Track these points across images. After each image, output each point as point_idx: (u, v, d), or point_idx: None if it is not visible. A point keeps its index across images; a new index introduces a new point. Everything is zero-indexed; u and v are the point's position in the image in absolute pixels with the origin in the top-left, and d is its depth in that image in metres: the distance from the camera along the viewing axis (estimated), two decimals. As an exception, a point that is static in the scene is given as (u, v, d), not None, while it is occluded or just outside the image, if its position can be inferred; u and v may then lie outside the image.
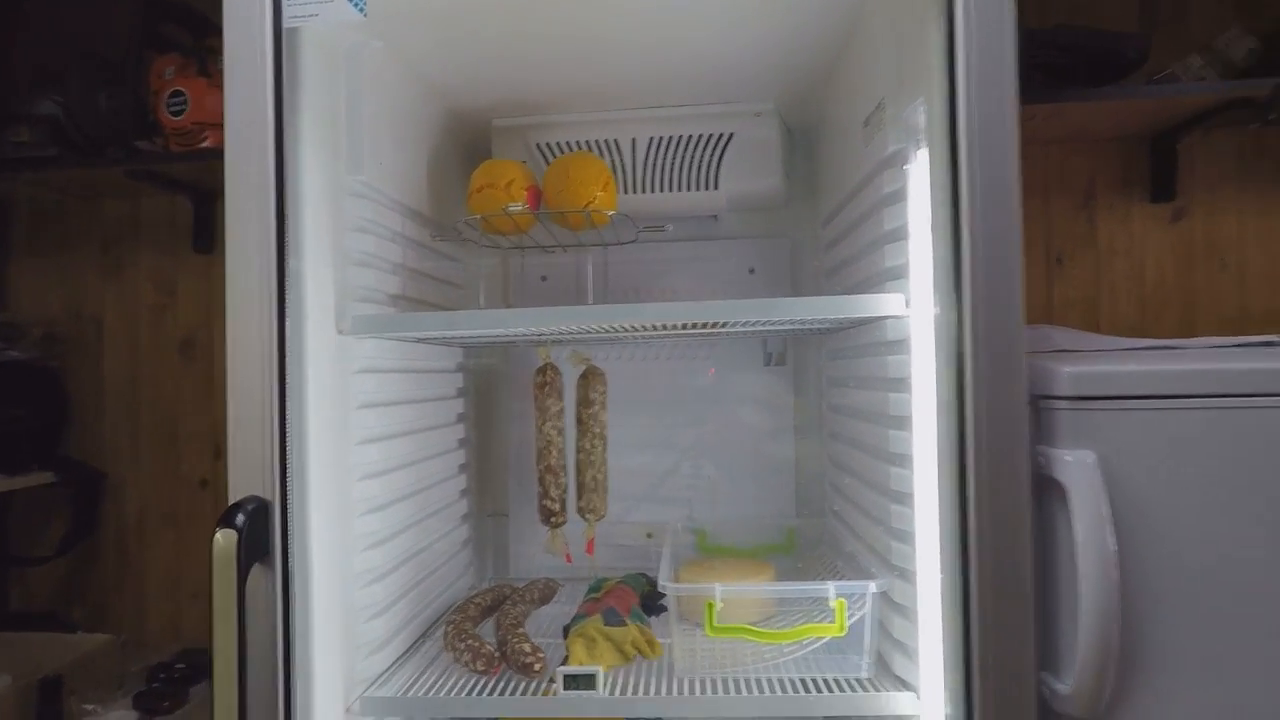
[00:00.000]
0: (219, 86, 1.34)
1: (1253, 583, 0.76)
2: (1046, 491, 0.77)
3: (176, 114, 1.34)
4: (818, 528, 1.28)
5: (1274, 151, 1.41)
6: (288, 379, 0.78)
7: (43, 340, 1.58)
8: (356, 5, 0.78)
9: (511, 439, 1.39)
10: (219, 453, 1.59)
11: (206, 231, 1.59)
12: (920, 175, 0.83)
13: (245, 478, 0.77)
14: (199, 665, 1.43)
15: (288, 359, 0.78)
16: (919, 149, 0.83)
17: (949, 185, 0.76)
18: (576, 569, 1.26)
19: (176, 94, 1.34)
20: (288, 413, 0.77)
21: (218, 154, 1.32)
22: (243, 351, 0.78)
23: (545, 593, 1.22)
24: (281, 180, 0.78)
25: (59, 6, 1.58)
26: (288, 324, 0.78)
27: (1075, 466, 0.74)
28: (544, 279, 1.39)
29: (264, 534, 0.76)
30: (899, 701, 0.84)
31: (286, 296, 0.78)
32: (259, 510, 0.75)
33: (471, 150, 1.34)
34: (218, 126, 1.35)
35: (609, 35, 1.00)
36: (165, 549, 1.60)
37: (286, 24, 0.78)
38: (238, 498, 0.77)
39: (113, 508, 1.60)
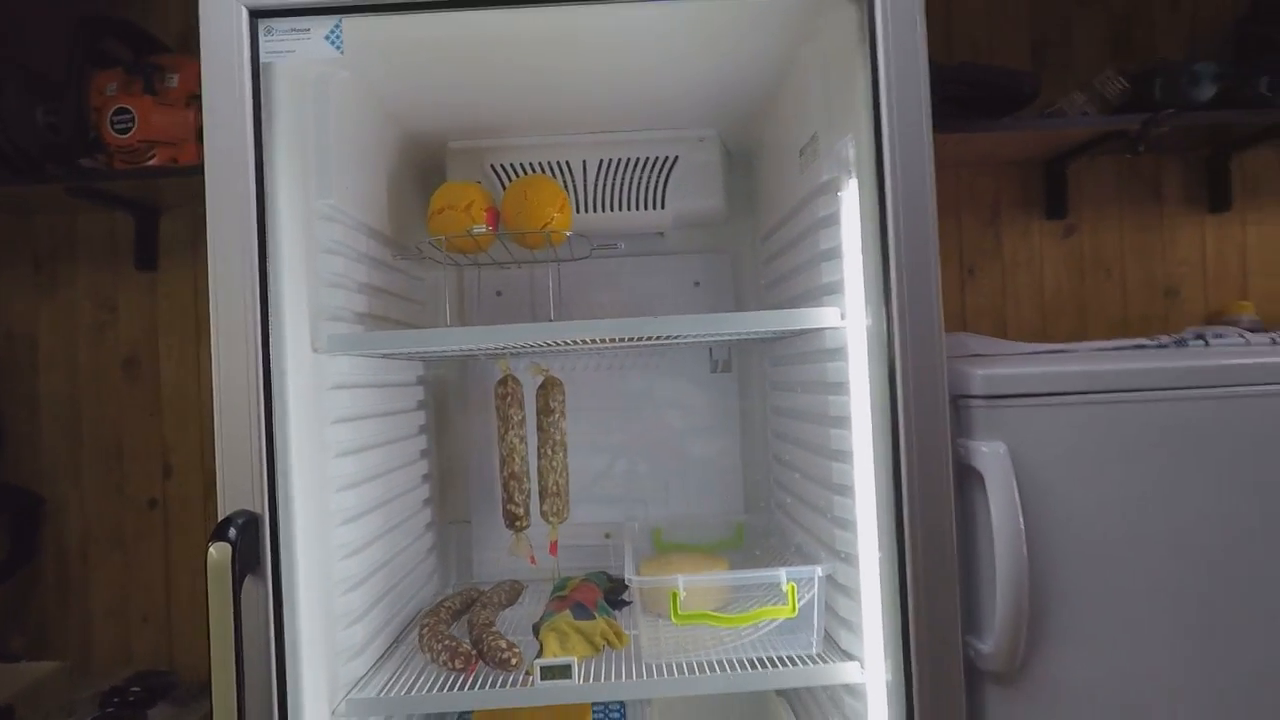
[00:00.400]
0: (166, 104, 1.35)
1: (1139, 552, 0.90)
2: (966, 479, 0.88)
3: (122, 131, 1.33)
4: (764, 522, 1.39)
5: (1146, 176, 1.60)
6: (273, 398, 0.81)
7: (-28, 361, 1.52)
8: (332, 43, 0.82)
9: (471, 449, 1.44)
10: (168, 472, 1.57)
11: (149, 248, 1.57)
12: (851, 201, 0.94)
13: (234, 493, 0.80)
14: (153, 688, 1.41)
15: (272, 378, 0.81)
16: (850, 178, 0.94)
17: (877, 211, 0.87)
18: (538, 571, 1.32)
19: (122, 111, 1.33)
20: (274, 429, 0.81)
21: (166, 172, 1.35)
22: (228, 372, 0.80)
23: (511, 594, 1.28)
24: (262, 206, 0.82)
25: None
26: (271, 344, 0.81)
27: (990, 456, 0.86)
28: (499, 293, 1.45)
29: (255, 546, 0.79)
30: (846, 671, 0.94)
31: (270, 318, 0.81)
32: (249, 523, 0.78)
33: (426, 171, 1.39)
34: (165, 144, 1.36)
35: (562, 67, 1.07)
36: (112, 572, 1.56)
37: (263, 59, 0.82)
38: (227, 512, 0.79)
39: (52, 532, 1.55)
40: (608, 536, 1.41)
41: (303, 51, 0.82)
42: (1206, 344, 0.93)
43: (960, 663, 0.84)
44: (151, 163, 1.35)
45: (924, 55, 0.86)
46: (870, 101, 0.87)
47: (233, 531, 0.76)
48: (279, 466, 0.82)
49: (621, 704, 1.38)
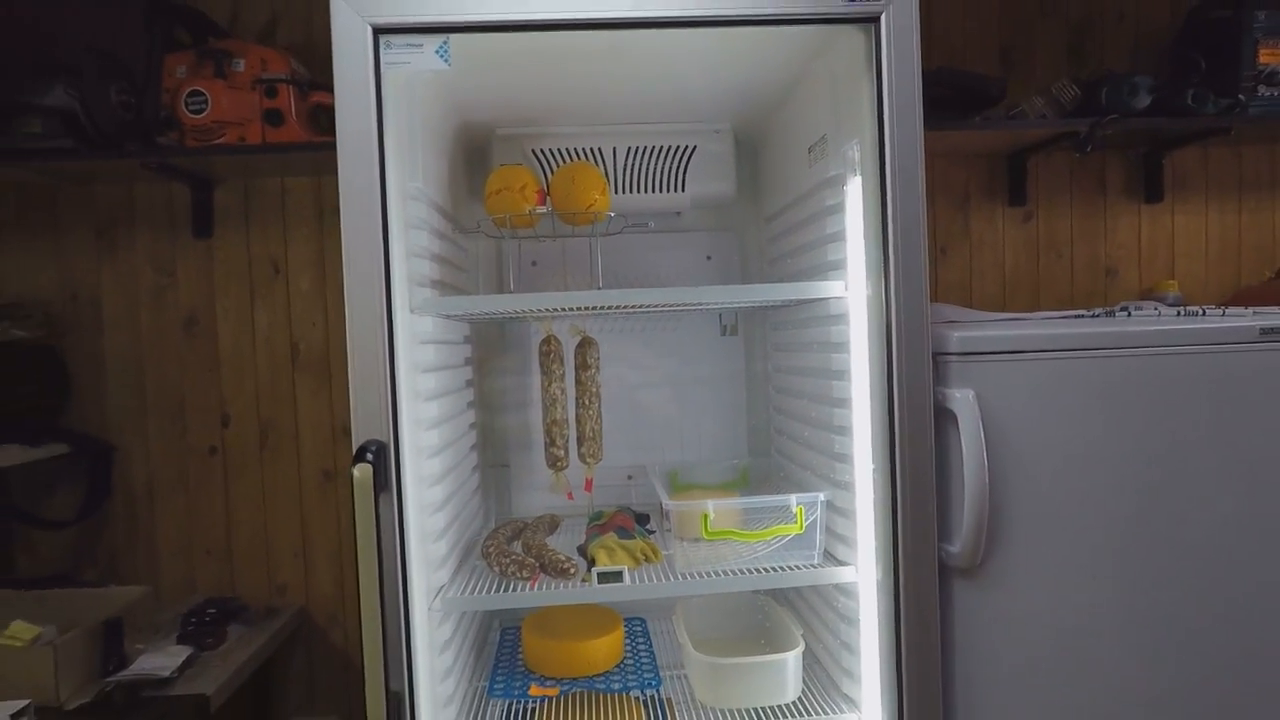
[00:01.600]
0: (235, 88, 1.50)
1: (1076, 477, 1.14)
2: (943, 419, 1.11)
3: (196, 112, 1.47)
4: (765, 465, 1.61)
5: (1094, 170, 1.84)
6: (394, 348, 1.00)
7: (43, 320, 1.65)
8: (441, 56, 0.99)
9: (509, 401, 1.63)
10: (226, 421, 1.73)
11: (205, 217, 1.70)
12: (855, 193, 1.14)
13: (366, 425, 0.99)
14: (225, 611, 1.59)
15: (393, 332, 1.00)
16: (854, 175, 1.15)
17: (878, 202, 1.08)
18: (570, 507, 1.54)
19: (196, 94, 1.47)
20: (398, 374, 0.99)
21: (236, 150, 1.49)
22: (360, 327, 0.99)
23: (552, 525, 1.49)
24: (384, 188, 0.99)
25: (61, 3, 1.64)
26: (395, 307, 0.99)
27: (962, 400, 1.09)
28: (534, 263, 1.63)
29: (384, 469, 0.98)
30: (842, 573, 1.17)
31: (394, 285, 0.99)
32: (380, 451, 0.97)
33: (473, 153, 1.56)
34: (234, 124, 1.50)
35: (607, 72, 1.24)
36: (176, 512, 1.73)
37: (383, 68, 0.99)
38: (361, 441, 0.98)
39: (120, 477, 1.71)
40: (630, 478, 1.63)
41: (416, 63, 0.99)
42: (1129, 315, 1.17)
43: (935, 561, 1.08)
44: (221, 141, 1.50)
45: (919, 75, 1.07)
46: (874, 112, 1.07)
47: (370, 455, 0.95)
48: (399, 405, 1.00)
49: (643, 620, 1.61)
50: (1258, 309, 1.18)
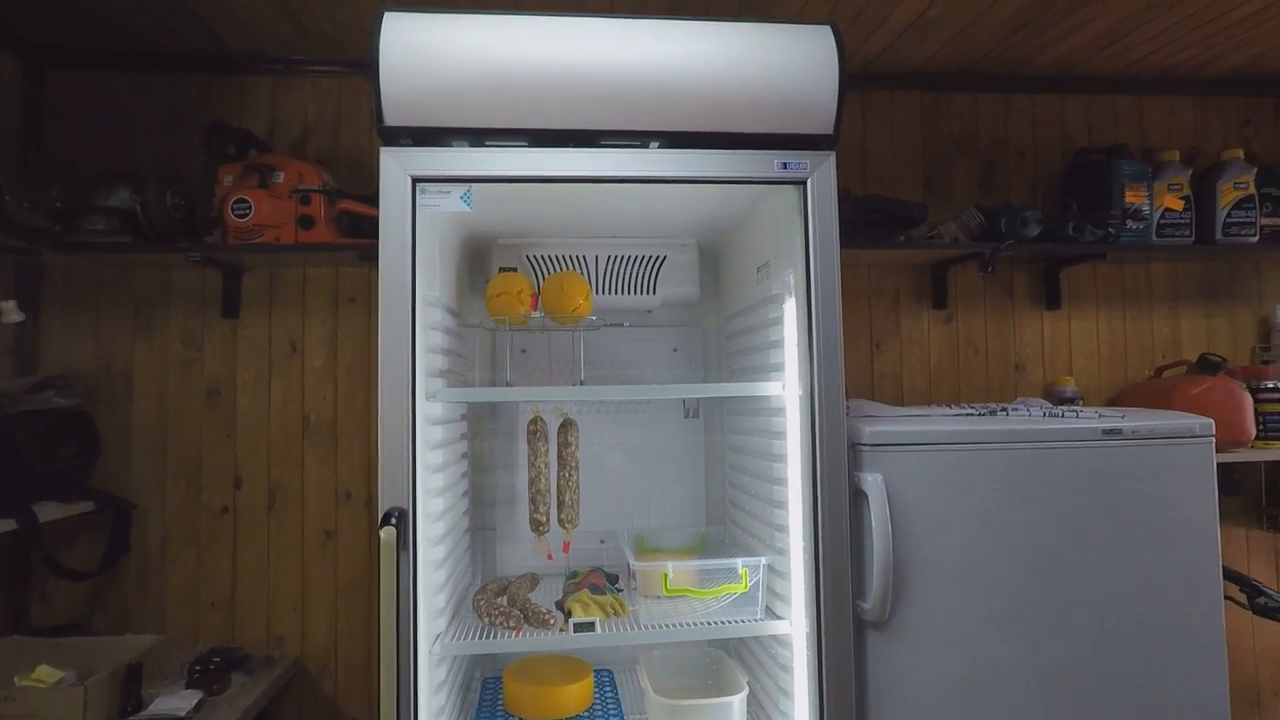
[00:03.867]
0: (275, 197, 1.76)
1: (969, 548, 1.39)
2: (858, 497, 1.37)
3: (241, 216, 1.72)
4: (720, 533, 1.84)
5: (1003, 281, 2.17)
6: (416, 429, 1.23)
7: (81, 390, 1.85)
8: (464, 200, 1.26)
9: (496, 472, 1.85)
10: (239, 484, 1.92)
11: (234, 300, 1.93)
12: (790, 310, 1.42)
13: (391, 495, 1.21)
14: (228, 660, 1.75)
15: (416, 415, 1.23)
16: (789, 295, 1.43)
17: (806, 318, 1.35)
18: (546, 567, 1.75)
19: (242, 200, 1.72)
20: (416, 453, 1.22)
21: (274, 248, 1.74)
22: (390, 410, 1.22)
23: (532, 583, 1.69)
24: (414, 298, 1.24)
25: (128, 121, 1.90)
26: (416, 392, 1.23)
27: (872, 483, 1.34)
28: (523, 351, 1.88)
29: (405, 532, 1.20)
30: (778, 626, 1.40)
31: (416, 378, 1.23)
32: (401, 516, 1.19)
33: (475, 257, 1.82)
34: (271, 227, 1.75)
35: (592, 205, 1.52)
36: (187, 566, 1.89)
37: (418, 208, 1.25)
38: (386, 508, 1.20)
39: (137, 532, 1.88)
40: (602, 541, 1.84)
41: (444, 205, 1.26)
42: (1007, 414, 1.45)
43: (850, 616, 1.32)
44: (260, 240, 1.74)
45: (836, 225, 1.36)
46: (803, 248, 1.36)
47: (394, 520, 1.17)
48: (416, 476, 1.23)
49: (610, 671, 1.80)
50: (1103, 411, 1.46)
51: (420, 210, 1.25)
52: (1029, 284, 2.18)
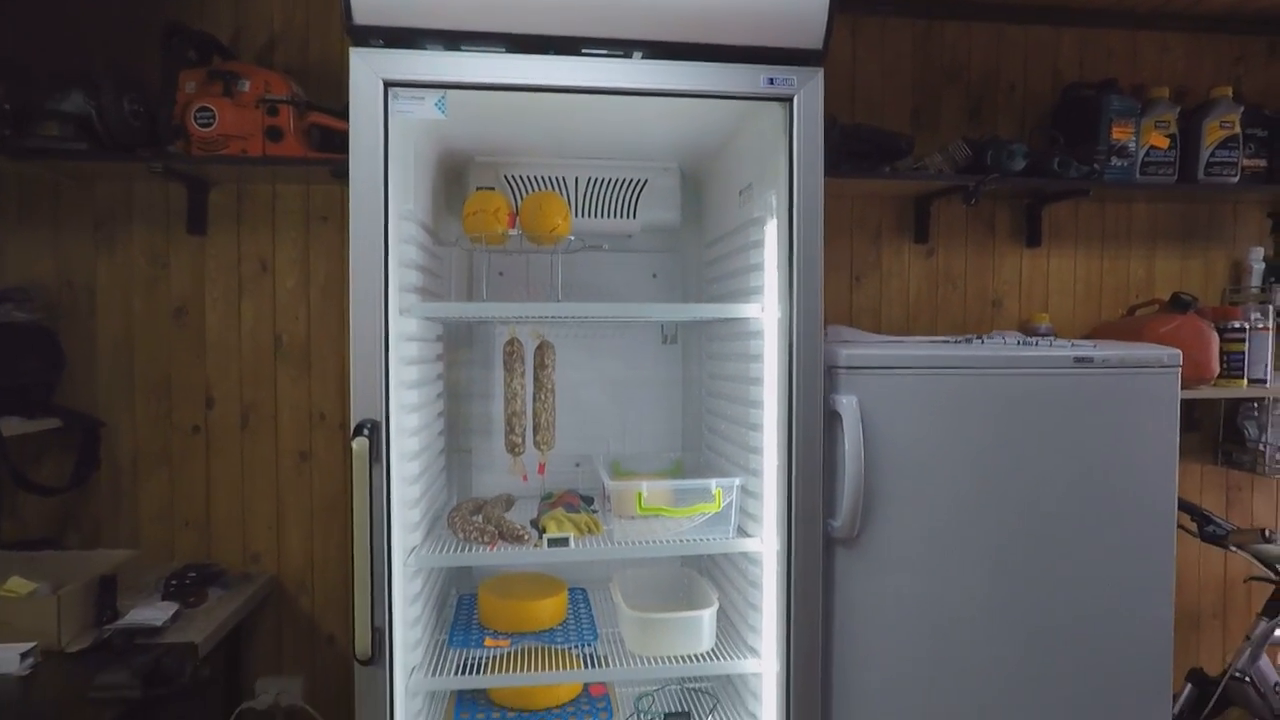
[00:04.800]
0: (240, 106, 1.68)
1: (936, 468, 1.42)
2: (832, 419, 1.38)
3: (204, 125, 1.65)
4: (696, 459, 1.86)
5: (985, 216, 2.16)
6: (388, 343, 1.21)
7: (42, 304, 1.79)
8: (439, 108, 1.21)
9: (472, 393, 1.85)
10: (210, 404, 1.90)
11: (200, 216, 1.87)
12: (771, 232, 1.40)
13: (364, 406, 1.19)
14: (204, 576, 1.76)
15: (388, 330, 1.21)
16: (771, 217, 1.41)
17: (787, 240, 1.34)
18: (522, 489, 1.76)
19: (205, 109, 1.64)
20: (390, 365, 1.21)
21: (239, 160, 1.68)
22: (362, 324, 1.19)
23: (508, 503, 1.71)
24: (386, 212, 1.21)
25: (80, 23, 1.79)
26: (390, 309, 1.21)
27: (846, 405, 1.36)
28: (501, 273, 1.85)
29: (378, 444, 1.19)
30: (749, 543, 1.43)
31: (389, 292, 1.21)
32: (375, 427, 1.18)
33: (453, 176, 1.77)
34: (237, 138, 1.68)
35: (570, 119, 1.47)
36: (159, 485, 1.88)
37: (390, 114, 1.20)
38: (359, 420, 1.19)
39: (107, 451, 1.86)
40: (577, 465, 1.86)
41: (417, 112, 1.21)
42: (982, 342, 1.46)
43: (820, 534, 1.35)
44: (225, 152, 1.67)
45: (821, 146, 1.33)
46: (787, 169, 1.33)
47: (366, 431, 1.16)
48: (390, 391, 1.22)
49: (584, 589, 1.84)
50: (1076, 342, 1.48)
51: (393, 117, 1.21)
52: (1011, 221, 2.18)
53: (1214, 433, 2.27)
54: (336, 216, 1.92)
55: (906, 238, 2.15)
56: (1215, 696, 1.91)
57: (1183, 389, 1.52)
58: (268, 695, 1.89)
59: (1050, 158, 1.89)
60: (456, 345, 1.84)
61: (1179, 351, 1.46)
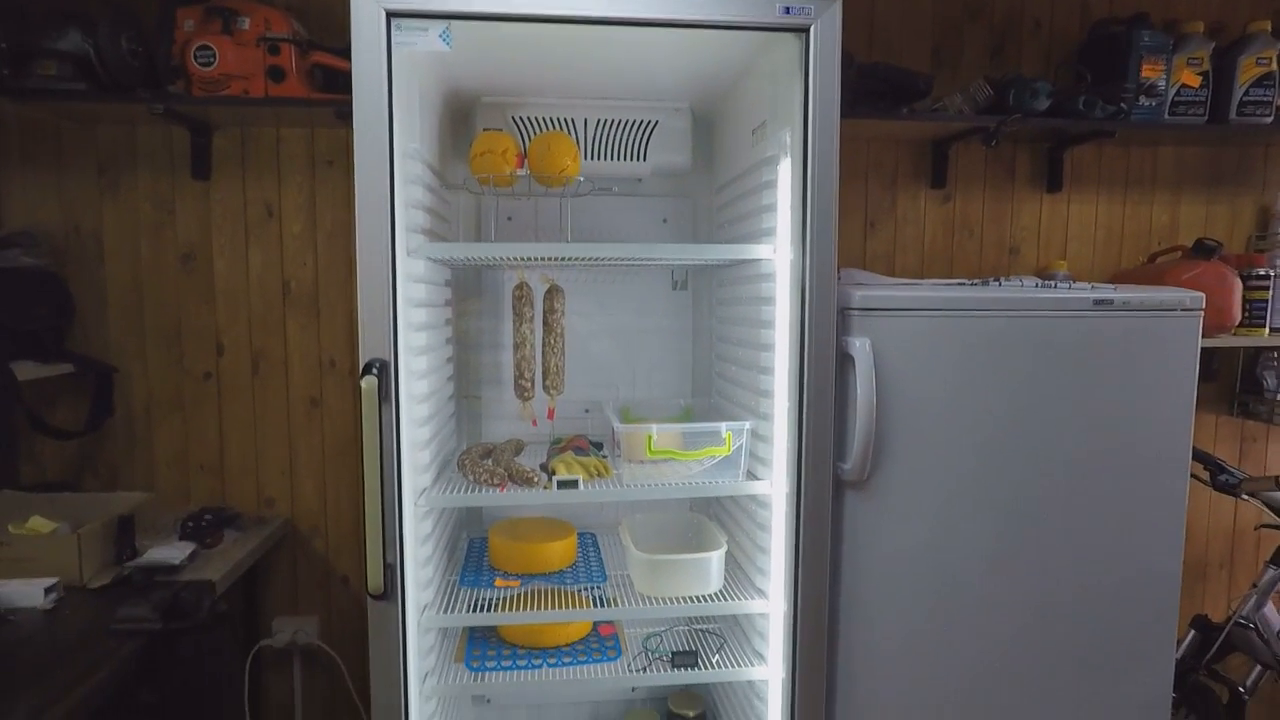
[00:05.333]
0: (240, 44, 1.64)
1: (948, 411, 1.41)
2: (845, 361, 1.37)
3: (205, 65, 1.61)
4: (705, 405, 1.86)
5: (1005, 161, 2.10)
6: (396, 284, 1.19)
7: (49, 249, 1.79)
8: (443, 39, 1.17)
9: (481, 340, 1.84)
10: (220, 350, 1.90)
11: (204, 161, 1.84)
12: (785, 172, 1.37)
13: (371, 346, 1.19)
14: (221, 518, 1.79)
15: (396, 270, 1.19)
16: (785, 156, 1.37)
17: (801, 180, 1.31)
18: (532, 434, 1.76)
19: (205, 48, 1.60)
20: (397, 306, 1.20)
21: (241, 101, 1.64)
22: (369, 265, 1.18)
23: (517, 448, 1.71)
24: (391, 148, 1.18)
25: None
26: (395, 248, 1.19)
27: (859, 347, 1.34)
28: (509, 219, 1.82)
29: (387, 383, 1.19)
30: (758, 486, 1.43)
31: (396, 231, 1.19)
32: (384, 367, 1.18)
33: (459, 117, 1.73)
34: (238, 77, 1.65)
35: (580, 55, 1.43)
36: (173, 430, 1.90)
37: (394, 46, 1.16)
38: (368, 359, 1.18)
39: (120, 396, 1.87)
40: (587, 411, 1.86)
41: (421, 44, 1.17)
42: (1000, 284, 1.43)
43: (830, 476, 1.34)
44: (226, 92, 1.64)
45: (839, 78, 1.29)
46: (802, 105, 1.29)
47: (375, 370, 1.16)
48: (398, 331, 1.21)
49: (593, 534, 1.86)
50: (1096, 285, 1.45)
51: (396, 49, 1.17)
52: (1031, 165, 2.12)
53: (1231, 383, 2.24)
54: (342, 161, 1.89)
55: (923, 183, 2.10)
56: (1219, 642, 1.93)
57: (1203, 337, 1.49)
58: (285, 634, 1.94)
59: (1076, 96, 1.82)
60: (466, 295, 1.82)
61: (1202, 294, 1.43)
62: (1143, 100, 1.88)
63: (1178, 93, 1.90)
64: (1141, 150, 2.14)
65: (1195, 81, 1.89)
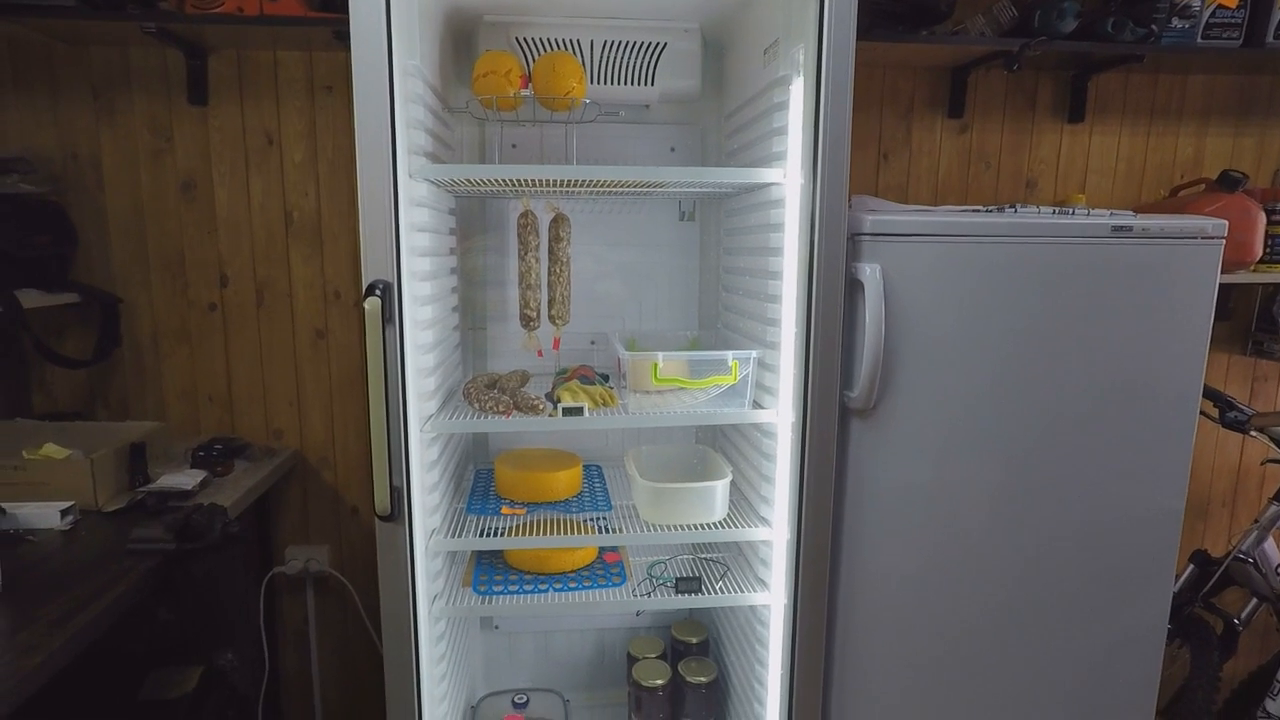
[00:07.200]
0: (233, -42, 1.57)
1: (956, 340, 1.39)
2: (854, 288, 1.34)
3: (196, -20, 1.55)
4: (712, 337, 1.84)
5: (1027, 89, 2.03)
6: (399, 205, 1.17)
7: (48, 176, 1.76)
8: (441, -58, 1.12)
9: (486, 271, 1.82)
10: (224, 281, 1.89)
11: (200, 85, 1.80)
12: (797, 92, 1.32)
13: (375, 268, 1.17)
14: (231, 448, 1.80)
15: (398, 192, 1.17)
16: (798, 76, 1.32)
17: (814, 100, 1.26)
18: (537, 365, 1.76)
19: (195, -39, 1.54)
20: (400, 229, 1.17)
21: (235, 19, 1.59)
22: (371, 186, 1.15)
23: (523, 379, 1.71)
24: (390, 64, 1.14)
25: None
26: (398, 170, 1.16)
27: (869, 273, 1.31)
28: (514, 146, 1.78)
29: (389, 304, 1.17)
30: (763, 415, 1.42)
31: (397, 151, 1.16)
32: (387, 288, 1.16)
33: (460, 38, 1.67)
34: (231, -6, 1.59)
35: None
36: (181, 362, 1.91)
37: (388, -50, 1.11)
38: (370, 280, 1.17)
39: (126, 327, 1.87)
40: (592, 343, 1.85)
41: (418, -53, 1.11)
42: (1016, 211, 1.39)
43: (837, 405, 1.34)
44: (219, 10, 1.59)
45: (856, -9, 1.23)
46: (816, 21, 1.24)
47: (378, 291, 1.14)
48: (401, 253, 1.19)
49: (598, 466, 1.87)
50: (1116, 211, 1.41)
51: (391, -48, 1.11)
52: (1054, 94, 2.04)
53: (1246, 323, 2.21)
54: (342, 87, 1.84)
55: (940, 112, 2.03)
56: (1216, 576, 1.95)
57: (1222, 273, 1.46)
58: (298, 561, 1.99)
59: (1104, 18, 1.74)
60: (470, 229, 1.80)
61: (1225, 222, 1.39)
62: (1175, 22, 1.80)
63: (1213, 14, 1.81)
64: (1170, 78, 2.06)
65: (1232, 1, 1.80)
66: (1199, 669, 1.90)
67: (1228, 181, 1.87)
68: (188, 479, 1.60)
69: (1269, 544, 1.95)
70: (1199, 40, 1.82)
